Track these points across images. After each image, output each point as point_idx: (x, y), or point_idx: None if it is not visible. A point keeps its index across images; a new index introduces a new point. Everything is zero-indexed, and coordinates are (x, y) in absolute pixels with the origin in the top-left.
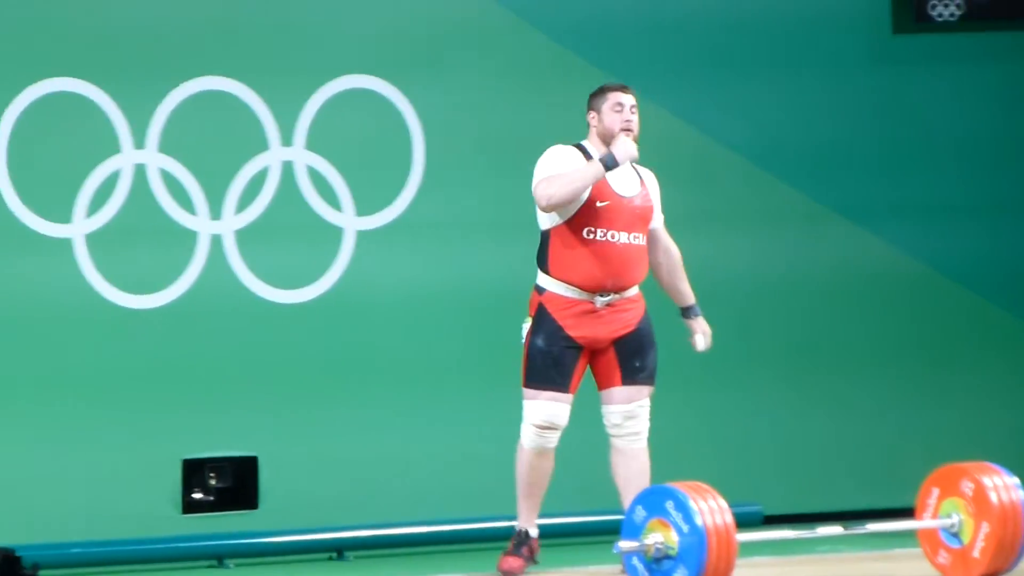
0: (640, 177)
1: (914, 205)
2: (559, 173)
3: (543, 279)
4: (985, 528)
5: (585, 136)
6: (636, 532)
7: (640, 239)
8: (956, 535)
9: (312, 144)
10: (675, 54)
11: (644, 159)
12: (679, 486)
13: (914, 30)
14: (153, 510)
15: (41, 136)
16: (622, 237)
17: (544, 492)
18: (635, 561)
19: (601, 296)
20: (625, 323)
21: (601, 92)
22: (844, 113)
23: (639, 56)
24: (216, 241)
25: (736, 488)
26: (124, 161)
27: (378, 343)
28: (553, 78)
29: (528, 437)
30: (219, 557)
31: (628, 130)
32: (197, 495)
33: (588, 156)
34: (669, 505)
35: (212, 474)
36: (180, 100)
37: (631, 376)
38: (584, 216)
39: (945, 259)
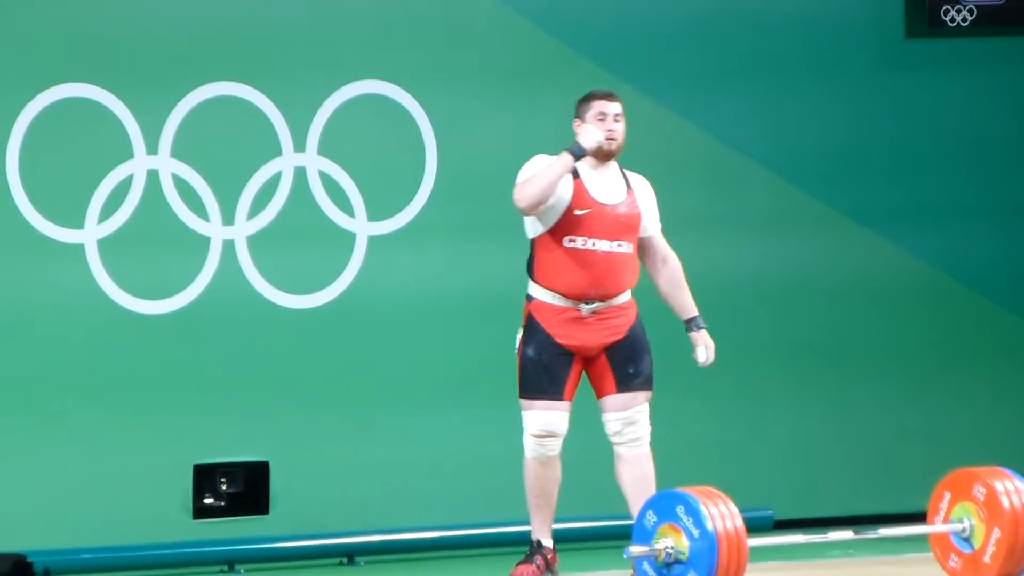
0: (628, 184)
1: (926, 209)
2: (532, 176)
3: (532, 287)
4: (996, 533)
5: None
6: (647, 537)
7: (625, 247)
8: (967, 540)
9: (324, 149)
10: (688, 59)
11: (655, 163)
12: (690, 491)
13: (927, 35)
14: (164, 515)
15: (54, 141)
16: (603, 245)
17: (554, 501)
18: (646, 566)
19: (586, 304)
20: (614, 330)
21: (587, 100)
22: (857, 118)
23: (653, 62)
24: (228, 246)
25: (747, 493)
26: (137, 166)
27: (390, 348)
28: (567, 84)
29: (529, 447)
30: (230, 562)
31: (611, 139)
32: (208, 500)
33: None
34: (680, 510)
35: (223, 479)
36: (193, 105)
37: (626, 383)
38: (564, 225)
39: (958, 263)
